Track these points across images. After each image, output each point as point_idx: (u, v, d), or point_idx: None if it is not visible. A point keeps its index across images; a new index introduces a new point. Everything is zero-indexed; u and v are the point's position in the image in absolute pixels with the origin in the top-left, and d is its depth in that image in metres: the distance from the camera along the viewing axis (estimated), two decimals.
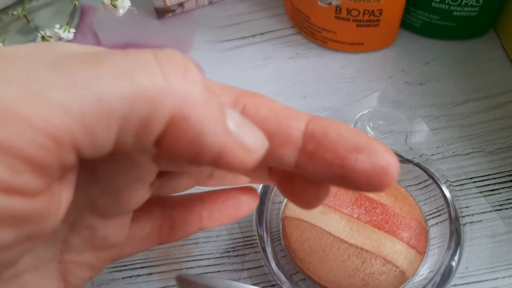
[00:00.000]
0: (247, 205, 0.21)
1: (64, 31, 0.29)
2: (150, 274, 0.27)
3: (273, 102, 0.15)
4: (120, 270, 0.27)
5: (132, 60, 0.11)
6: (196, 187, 0.20)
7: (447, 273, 0.24)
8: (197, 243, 0.27)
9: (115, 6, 0.25)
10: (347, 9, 0.31)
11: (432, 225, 0.26)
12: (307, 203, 0.16)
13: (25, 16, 0.25)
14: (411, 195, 0.27)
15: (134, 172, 0.14)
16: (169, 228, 0.19)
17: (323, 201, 0.16)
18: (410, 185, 0.28)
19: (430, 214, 0.27)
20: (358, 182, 0.13)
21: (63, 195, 0.12)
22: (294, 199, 0.16)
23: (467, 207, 0.27)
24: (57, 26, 0.29)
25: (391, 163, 0.13)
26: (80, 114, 0.10)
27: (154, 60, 0.11)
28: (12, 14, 0.26)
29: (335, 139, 0.13)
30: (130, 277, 0.27)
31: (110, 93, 0.10)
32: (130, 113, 0.10)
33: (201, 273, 0.27)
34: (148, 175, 0.15)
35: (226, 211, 0.20)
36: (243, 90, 0.15)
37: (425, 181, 0.27)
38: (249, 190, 0.21)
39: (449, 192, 0.26)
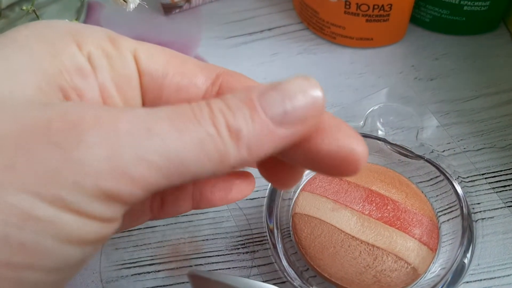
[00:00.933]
0: (239, 190, 0.20)
1: None
2: (159, 271, 0.27)
3: (248, 81, 0.15)
4: (129, 267, 0.27)
5: None
6: None
7: (459, 270, 0.24)
8: (206, 239, 0.27)
9: (125, 1, 0.25)
10: (357, 3, 0.31)
11: (443, 221, 0.26)
12: (281, 184, 0.17)
13: (34, 11, 0.25)
14: (422, 192, 0.27)
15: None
16: (159, 204, 0.20)
17: (296, 183, 0.16)
18: (421, 181, 0.27)
19: (442, 211, 0.26)
20: (324, 164, 0.14)
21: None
22: (270, 179, 0.17)
23: (478, 203, 0.27)
24: (66, 21, 0.29)
25: (359, 148, 0.13)
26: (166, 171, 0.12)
27: None
28: (21, 9, 0.26)
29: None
30: (139, 274, 0.27)
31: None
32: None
33: (210, 270, 0.27)
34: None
35: (217, 193, 0.20)
36: (225, 69, 0.16)
37: (436, 177, 0.27)
38: (243, 174, 0.21)
39: (461, 188, 0.26)
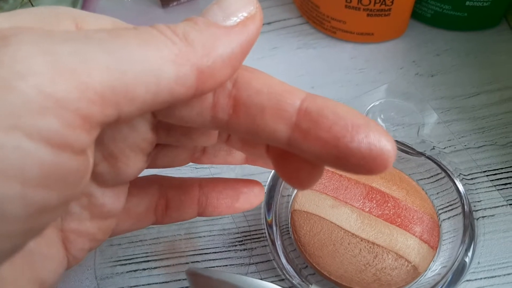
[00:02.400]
0: (247, 199, 0.20)
1: None
2: (155, 268, 0.26)
3: (269, 77, 0.14)
4: (124, 264, 0.26)
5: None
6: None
7: (460, 269, 0.23)
8: (203, 236, 0.27)
9: None
10: None
11: (444, 219, 0.26)
12: (300, 183, 0.15)
13: (29, 1, 0.25)
14: (423, 189, 0.26)
15: (132, 139, 0.15)
16: (164, 207, 0.19)
17: (316, 182, 0.15)
18: (422, 179, 0.27)
19: (442, 208, 0.26)
20: (353, 163, 0.13)
21: (91, 160, 0.12)
22: (288, 178, 0.16)
23: (479, 201, 0.27)
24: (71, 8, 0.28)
25: (388, 147, 0.12)
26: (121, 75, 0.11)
27: None
28: None
29: (331, 118, 0.13)
30: (134, 271, 0.26)
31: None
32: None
33: (207, 267, 0.26)
34: (146, 145, 0.15)
35: (223, 200, 0.20)
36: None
37: (437, 174, 0.27)
38: (252, 184, 0.20)
39: (462, 185, 0.26)
